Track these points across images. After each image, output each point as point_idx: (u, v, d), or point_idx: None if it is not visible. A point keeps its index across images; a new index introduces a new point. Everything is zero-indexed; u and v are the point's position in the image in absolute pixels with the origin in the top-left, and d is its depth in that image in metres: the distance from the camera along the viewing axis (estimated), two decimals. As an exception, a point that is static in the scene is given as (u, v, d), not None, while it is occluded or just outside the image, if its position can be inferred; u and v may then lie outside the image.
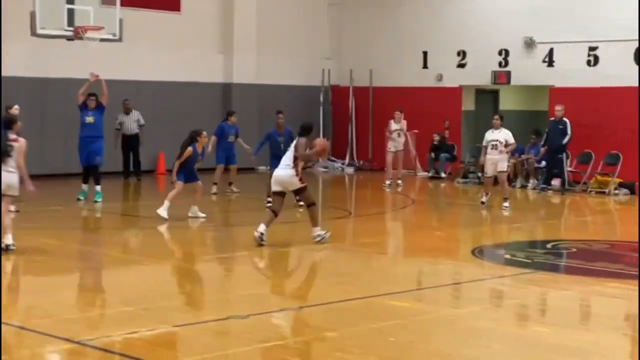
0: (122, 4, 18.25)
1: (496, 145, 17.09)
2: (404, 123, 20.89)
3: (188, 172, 14.84)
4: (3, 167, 11.00)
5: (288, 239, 13.69)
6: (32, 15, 16.92)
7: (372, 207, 18.45)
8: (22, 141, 11.32)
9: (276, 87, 24.78)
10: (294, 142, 12.71)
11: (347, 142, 25.86)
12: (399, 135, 20.79)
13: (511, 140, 17.17)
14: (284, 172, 12.43)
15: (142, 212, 16.91)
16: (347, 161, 25.62)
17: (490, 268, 11.61)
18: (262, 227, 12.20)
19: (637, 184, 19.91)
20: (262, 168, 23.91)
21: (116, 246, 12.90)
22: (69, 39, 17.77)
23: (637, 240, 12.81)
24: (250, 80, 24.27)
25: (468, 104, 24.41)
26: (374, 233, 14.38)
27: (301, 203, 14.13)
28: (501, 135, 17.14)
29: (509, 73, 23.13)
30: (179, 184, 14.74)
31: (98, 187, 16.74)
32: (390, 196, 20.26)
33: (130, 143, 21.35)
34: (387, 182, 20.65)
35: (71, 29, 17.35)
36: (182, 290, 9.58)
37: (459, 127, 24.16)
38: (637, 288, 9.20)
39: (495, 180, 17.52)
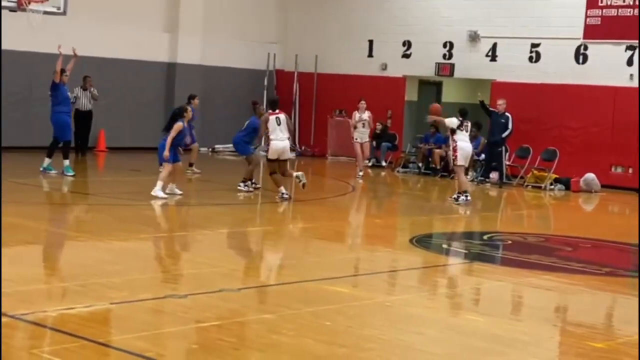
0: (67, -23, 17.98)
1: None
2: (368, 113, 20.80)
3: (175, 150, 14.82)
4: None
5: (230, 221, 13.69)
6: (-26, -16, 16.59)
7: (312, 193, 18.50)
8: None
9: (221, 69, 24.68)
10: (267, 117, 15.41)
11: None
12: (363, 125, 20.74)
13: None
14: (285, 143, 15.42)
15: (88, 189, 16.72)
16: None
17: (428, 257, 11.74)
18: (282, 189, 15.34)
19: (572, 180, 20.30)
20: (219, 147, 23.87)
21: (57, 222, 12.77)
22: (12, 10, 17.46)
23: (569, 234, 13.07)
24: (195, 61, 24.13)
25: (411, 94, 24.59)
26: (313, 218, 14.44)
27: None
28: None
29: (452, 65, 23.36)
30: (168, 165, 14.65)
31: (67, 162, 16.83)
32: (330, 183, 20.34)
33: (82, 119, 21.08)
34: (360, 173, 20.45)
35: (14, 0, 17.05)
36: (120, 268, 9.52)
37: (402, 117, 24.34)
38: (638, 286, 9.35)
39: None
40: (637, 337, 7.56)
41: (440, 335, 7.60)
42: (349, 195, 18.27)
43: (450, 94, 25.34)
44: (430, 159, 22.31)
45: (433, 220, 15.45)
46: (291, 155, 15.07)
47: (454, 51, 23.28)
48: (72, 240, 11.57)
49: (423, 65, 23.74)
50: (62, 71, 17.25)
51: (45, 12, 17.34)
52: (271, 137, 15.47)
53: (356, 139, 20.84)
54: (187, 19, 24.01)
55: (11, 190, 15.38)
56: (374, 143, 23.74)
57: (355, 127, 20.84)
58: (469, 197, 16.58)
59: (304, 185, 15.40)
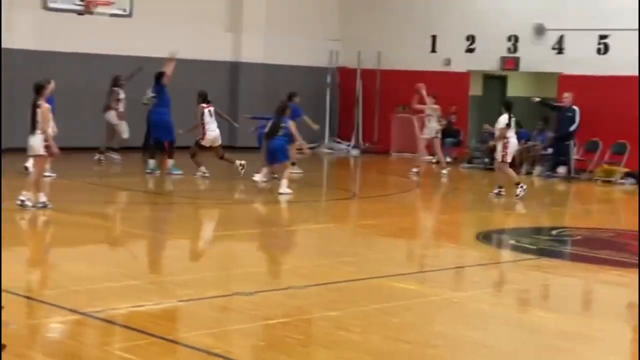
0: (132, -20, 18.23)
1: None
2: (436, 108, 20.16)
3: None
4: (30, 131, 12.07)
5: (293, 219, 13.75)
6: (43, -12, 16.92)
7: (376, 190, 18.48)
8: (45, 106, 12.00)
9: (284, 67, 24.75)
10: (202, 109, 17.12)
11: (353, 124, 25.85)
12: (429, 121, 20.32)
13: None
14: (218, 132, 17.23)
15: (155, 188, 16.91)
16: (352, 143, 25.62)
17: (494, 253, 11.65)
18: (202, 168, 17.10)
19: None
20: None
21: (127, 221, 12.96)
22: (80, 13, 17.79)
23: (640, 229, 12.83)
24: (258, 59, 24.24)
25: (475, 89, 24.38)
26: (378, 215, 14.42)
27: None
28: None
29: (517, 59, 23.10)
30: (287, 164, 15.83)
31: (172, 161, 17.57)
32: (395, 179, 20.28)
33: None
34: (415, 169, 19.89)
35: (82, 3, 17.34)
36: (188, 266, 9.63)
37: (466, 112, 24.15)
38: (638, 277, 9.22)
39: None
40: None
41: (508, 332, 7.54)
42: (413, 191, 18.21)
43: (515, 89, 25.05)
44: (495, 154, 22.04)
45: (499, 216, 15.32)
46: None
47: (519, 44, 23.01)
48: (140, 238, 11.73)
49: (487, 60, 23.52)
50: (162, 74, 17.80)
51: (112, 15, 17.60)
52: (207, 127, 17.01)
53: (423, 134, 20.63)
54: (250, 18, 24.15)
55: (80, 190, 15.67)
56: (438, 139, 23.56)
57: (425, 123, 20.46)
58: (503, 192, 16.38)
59: (242, 166, 17.04)
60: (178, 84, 22.11)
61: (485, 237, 12.36)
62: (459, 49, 24.07)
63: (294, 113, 18.00)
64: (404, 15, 25.05)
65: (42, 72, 20.48)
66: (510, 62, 23.20)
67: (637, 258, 10.90)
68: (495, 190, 16.56)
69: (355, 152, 25.29)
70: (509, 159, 16.53)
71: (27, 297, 7.58)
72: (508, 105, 16.71)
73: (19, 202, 12.31)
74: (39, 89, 12.41)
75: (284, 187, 15.24)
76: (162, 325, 7.13)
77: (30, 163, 13.50)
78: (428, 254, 11.44)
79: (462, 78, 24.10)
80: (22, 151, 18.28)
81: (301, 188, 16.44)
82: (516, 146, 16.94)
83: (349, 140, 25.77)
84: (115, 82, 19.46)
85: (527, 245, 11.94)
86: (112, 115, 19.32)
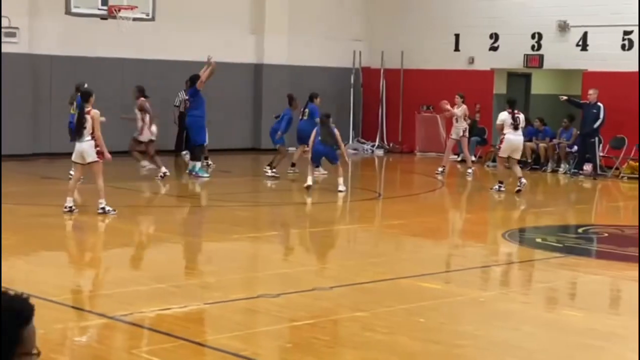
0: (155, -16, 18.29)
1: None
2: (463, 108, 20.22)
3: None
4: (77, 138, 12.30)
5: (317, 220, 13.75)
6: (67, -6, 17.02)
7: (401, 190, 18.46)
8: (93, 112, 12.30)
9: (307, 69, 24.76)
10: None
11: (377, 124, 25.82)
12: (457, 121, 20.26)
13: None
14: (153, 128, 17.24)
15: (180, 191, 16.95)
16: (376, 143, 25.59)
17: (521, 251, 11.59)
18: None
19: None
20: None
21: (147, 224, 13.01)
22: (103, 17, 17.86)
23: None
24: (281, 61, 24.27)
25: (500, 87, 24.28)
26: (404, 215, 14.39)
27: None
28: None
29: (541, 57, 22.98)
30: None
31: (199, 164, 17.69)
32: (420, 179, 20.23)
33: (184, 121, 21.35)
34: (440, 169, 19.89)
35: (105, 7, 17.42)
36: (214, 268, 9.64)
37: (490, 111, 24.04)
38: (638, 277, 9.13)
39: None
40: None
41: (536, 330, 7.49)
42: (438, 191, 18.15)
43: (539, 86, 24.93)
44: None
45: (525, 214, 15.24)
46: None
47: (542, 42, 22.89)
48: (167, 242, 11.77)
49: (511, 58, 23.41)
50: (197, 77, 17.96)
51: (135, 19, 17.67)
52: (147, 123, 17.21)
53: (451, 134, 20.56)
54: (272, 20, 24.17)
55: (108, 194, 15.74)
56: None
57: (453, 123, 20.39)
58: (502, 188, 16.68)
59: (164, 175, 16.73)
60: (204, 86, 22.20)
61: (511, 235, 12.30)
62: (482, 47, 23.98)
63: (312, 114, 18.22)
64: (427, 14, 24.99)
65: (66, 77, 20.72)
66: (535, 60, 23.08)
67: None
68: (496, 186, 16.76)
69: (379, 152, 25.26)
70: (501, 154, 16.89)
71: (56, 302, 7.62)
72: (511, 103, 17.10)
73: (100, 211, 12.46)
74: (86, 96, 12.56)
75: (341, 185, 15.87)
76: (189, 328, 7.15)
77: (73, 170, 13.45)
78: (454, 254, 11.39)
79: (486, 76, 24.00)
80: (48, 155, 18.46)
81: (326, 189, 16.44)
82: (516, 143, 16.94)
83: (373, 140, 25.74)
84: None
85: (554, 244, 11.87)
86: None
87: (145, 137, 17.23)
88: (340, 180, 16.02)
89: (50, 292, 7.88)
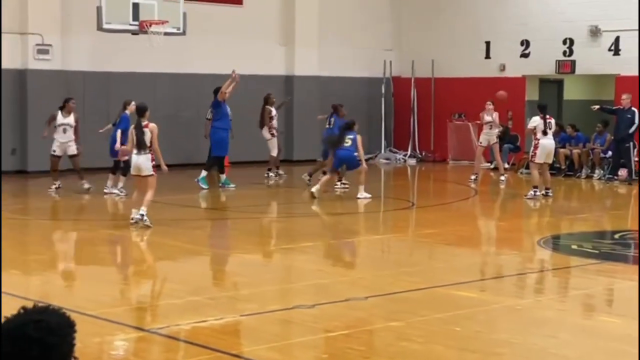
0: (185, -2, 18.43)
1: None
2: (495, 115, 20.17)
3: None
4: (135, 151, 12.56)
5: (350, 230, 13.74)
6: (99, 10, 17.17)
7: (435, 198, 18.40)
8: (152, 126, 12.56)
9: (337, 79, 24.79)
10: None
11: (409, 133, 25.77)
12: (490, 127, 20.23)
13: None
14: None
15: (212, 203, 17.00)
16: (409, 152, 25.54)
17: (556, 258, 11.49)
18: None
19: None
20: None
21: (181, 237, 13.06)
22: (134, 33, 18.01)
23: None
24: (311, 72, 24.32)
25: (532, 93, 24.14)
26: (437, 224, 14.33)
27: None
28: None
29: (573, 62, 22.83)
30: (363, 167, 16.53)
31: (223, 176, 17.81)
32: (453, 187, 20.15)
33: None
34: (473, 176, 19.95)
35: (136, 23, 17.56)
36: (249, 280, 9.66)
37: (523, 118, 23.91)
38: (638, 279, 9.02)
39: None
40: None
41: (574, 338, 7.42)
42: (472, 199, 18.07)
43: (572, 92, 24.76)
44: (554, 159, 21.81)
45: (560, 221, 15.13)
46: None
47: (574, 47, 22.75)
48: (201, 254, 11.81)
49: (543, 64, 23.29)
50: (218, 89, 18.04)
51: (166, 33, 17.80)
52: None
53: (481, 142, 20.49)
54: (302, 32, 24.24)
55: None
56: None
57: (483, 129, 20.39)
58: (537, 193, 16.67)
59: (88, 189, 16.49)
60: (234, 99, 22.31)
61: (546, 242, 12.22)
62: (513, 54, 23.88)
63: (337, 124, 18.46)
64: (457, 22, 24.94)
65: (99, 93, 20.92)
66: (567, 66, 22.94)
67: None
68: (531, 192, 16.73)
69: (412, 161, 25.21)
70: (537, 160, 16.80)
71: (92, 316, 7.67)
72: (542, 108, 17.12)
73: (138, 217, 12.64)
74: (142, 111, 12.86)
75: (361, 192, 16.06)
76: (225, 340, 7.17)
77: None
78: (489, 262, 11.33)
79: (518, 83, 23.89)
80: (86, 170, 18.55)
81: (355, 199, 16.41)
82: (549, 147, 17.04)
83: (405, 149, 25.69)
84: (267, 101, 20.26)
85: (589, 250, 11.76)
86: (265, 132, 20.01)
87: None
88: (361, 187, 16.12)
89: (86, 306, 7.93)
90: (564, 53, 22.95)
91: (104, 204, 16.13)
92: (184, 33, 18.32)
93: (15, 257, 10.90)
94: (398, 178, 23.02)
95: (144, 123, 12.67)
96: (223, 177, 17.84)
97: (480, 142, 20.43)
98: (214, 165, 18.00)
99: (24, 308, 2.74)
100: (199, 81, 22.09)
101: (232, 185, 17.69)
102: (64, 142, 16.79)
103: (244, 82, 23.13)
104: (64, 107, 16.80)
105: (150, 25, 17.47)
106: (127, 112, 16.16)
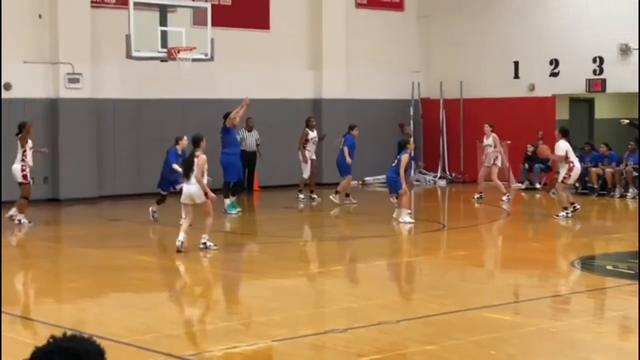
0: (212, 24, 18.52)
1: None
2: (494, 137, 20.31)
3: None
4: (186, 180, 13.01)
5: (381, 253, 13.67)
6: (128, 39, 17.31)
7: (465, 220, 18.28)
8: (202, 157, 12.96)
9: (366, 102, 24.79)
10: None
11: (439, 154, 25.69)
12: (489, 149, 20.26)
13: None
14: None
15: (244, 228, 16.99)
16: (439, 174, 25.44)
17: (591, 279, 11.35)
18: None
19: None
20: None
21: (213, 262, 13.06)
22: (163, 60, 18.14)
23: None
24: (339, 95, 24.34)
25: (562, 113, 24.00)
26: (469, 245, 14.23)
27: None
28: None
29: (604, 81, 22.67)
30: (405, 191, 16.23)
31: (228, 200, 17.58)
32: (484, 208, 20.03)
33: (248, 159, 21.44)
34: (504, 197, 19.90)
35: (164, 50, 17.68)
36: (280, 305, 9.62)
37: (553, 137, 23.72)
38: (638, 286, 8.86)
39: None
40: None
41: (611, 360, 7.31)
42: (504, 220, 17.94)
43: (603, 110, 24.58)
44: (587, 178, 21.66)
45: (594, 241, 14.96)
46: None
47: (604, 66, 22.60)
48: (232, 279, 11.80)
49: (573, 83, 23.15)
50: (227, 115, 18.08)
51: (194, 60, 17.90)
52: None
53: (484, 162, 20.48)
54: (330, 55, 24.28)
55: (173, 235, 15.87)
56: (527, 165, 23.25)
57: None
58: (569, 214, 16.70)
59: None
60: (264, 123, 22.40)
61: (580, 263, 12.07)
62: (543, 74, 23.77)
63: (346, 143, 19.22)
64: (485, 42, 24.88)
65: (129, 120, 21.06)
66: (597, 84, 22.79)
67: None
68: (562, 213, 16.68)
69: (442, 182, 25.11)
70: (570, 182, 16.96)
71: (125, 343, 7.66)
72: (566, 132, 17.17)
73: (201, 246, 13.05)
74: (197, 141, 13.31)
75: (403, 216, 16.02)
76: (257, 366, 7.13)
77: (184, 212, 13.63)
78: (523, 283, 11.21)
79: (548, 102, 23.76)
80: (113, 198, 18.68)
81: (391, 221, 16.35)
82: (580, 170, 17.18)
83: (435, 171, 25.61)
84: (306, 124, 20.51)
85: (625, 270, 11.61)
86: (300, 153, 20.33)
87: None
88: (404, 211, 16.06)
89: (119, 334, 7.93)
90: (594, 71, 22.81)
91: (137, 231, 16.18)
92: (212, 59, 18.42)
93: (48, 285, 10.95)
94: (428, 200, 22.92)
95: (197, 153, 13.05)
96: (227, 202, 17.70)
97: (484, 163, 20.44)
98: (230, 189, 17.88)
99: (53, 337, 2.76)
100: (227, 106, 22.07)
101: (233, 212, 17.49)
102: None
103: (273, 106, 23.24)
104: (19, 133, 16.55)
105: (178, 52, 17.57)
106: (178, 147, 16.21)
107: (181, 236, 12.96)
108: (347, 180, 19.48)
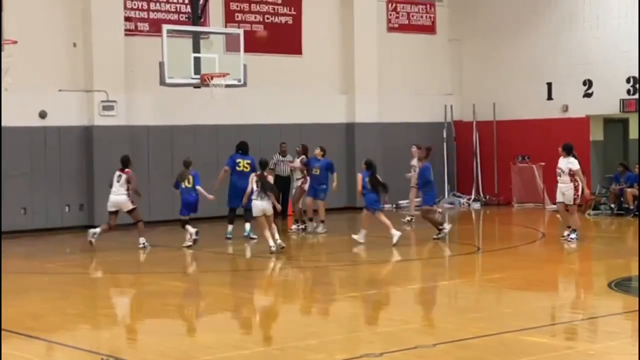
0: (245, 50, 18.64)
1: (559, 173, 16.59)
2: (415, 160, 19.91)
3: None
4: (259, 197, 15.42)
5: (417, 277, 13.62)
6: (161, 66, 17.46)
7: (501, 242, 18.16)
8: (270, 177, 15.68)
9: (399, 125, 24.78)
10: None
11: (472, 177, 25.60)
12: (414, 170, 19.94)
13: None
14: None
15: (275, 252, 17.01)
16: (472, 196, 25.33)
17: (629, 301, 11.22)
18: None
19: None
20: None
21: (246, 288, 13.08)
22: (196, 86, 18.28)
23: None
24: (372, 119, 24.35)
25: (596, 134, 23.84)
26: (504, 268, 14.13)
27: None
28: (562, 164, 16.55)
29: (638, 101, 22.51)
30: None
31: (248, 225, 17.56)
32: (519, 230, 19.90)
33: (282, 184, 21.37)
34: (407, 218, 20.26)
35: (198, 76, 17.81)
36: (316, 329, 9.60)
37: (588, 158, 23.60)
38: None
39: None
40: None
41: (651, 383, 7.21)
42: (538, 242, 17.81)
43: (638, 131, 24.39)
44: (622, 199, 21.48)
45: (631, 262, 14.78)
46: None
47: (638, 85, 22.45)
48: (267, 304, 11.80)
49: (607, 103, 23.00)
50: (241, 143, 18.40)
51: (227, 86, 18.01)
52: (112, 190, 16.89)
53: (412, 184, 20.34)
54: (362, 79, 24.33)
55: (204, 260, 15.93)
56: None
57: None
58: (575, 237, 16.51)
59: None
60: (294, 150, 22.42)
61: (618, 285, 11.95)
62: (576, 94, 23.64)
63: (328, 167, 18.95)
64: (517, 64, 24.82)
65: (163, 146, 21.21)
66: (631, 104, 22.62)
67: None
68: (569, 233, 16.48)
69: (476, 205, 24.99)
70: (580, 201, 16.71)
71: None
72: (568, 149, 16.60)
73: (273, 249, 15.06)
74: (264, 165, 15.94)
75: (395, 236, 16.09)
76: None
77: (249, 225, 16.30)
78: (559, 306, 11.11)
79: (582, 123, 23.62)
80: (148, 224, 18.78)
81: (425, 244, 16.30)
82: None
83: (469, 193, 25.50)
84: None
85: (663, 292, 11.46)
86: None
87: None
88: (392, 231, 16.11)
89: (148, 359, 7.95)
90: (628, 91, 22.66)
91: (171, 257, 16.26)
92: (245, 84, 18.53)
93: (84, 311, 11.02)
94: (463, 222, 22.81)
95: (265, 173, 15.60)
96: (230, 227, 17.72)
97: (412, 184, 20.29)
98: (245, 215, 17.72)
99: None
100: (260, 131, 22.27)
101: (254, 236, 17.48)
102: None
103: (305, 130, 23.29)
104: None
105: (211, 78, 17.70)
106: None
107: (271, 242, 15.25)
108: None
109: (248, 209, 17.31)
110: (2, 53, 17.32)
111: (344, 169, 23.54)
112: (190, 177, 16.92)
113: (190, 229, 16.65)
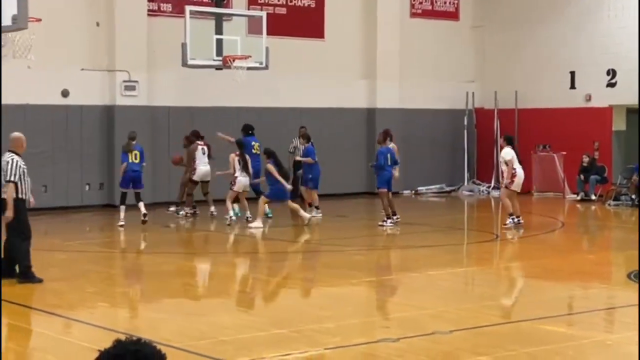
0: (267, 33, 18.63)
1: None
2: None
3: None
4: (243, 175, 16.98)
5: (433, 263, 13.61)
6: (184, 47, 17.49)
7: (519, 230, 18.11)
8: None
9: (420, 111, 24.73)
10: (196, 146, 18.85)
11: (492, 165, 25.50)
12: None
13: None
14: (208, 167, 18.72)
15: (294, 236, 17.06)
16: (492, 184, 25.25)
17: (647, 292, 11.17)
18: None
19: None
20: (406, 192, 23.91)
21: (264, 270, 13.13)
22: (218, 68, 18.29)
23: None
24: (393, 105, 24.31)
25: (619, 124, 23.70)
26: (522, 256, 14.11)
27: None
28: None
29: (661, 91, 22.33)
30: None
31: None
32: (538, 219, 19.85)
33: (300, 167, 21.32)
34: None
35: (220, 58, 17.82)
36: (332, 313, 9.63)
37: (610, 148, 23.48)
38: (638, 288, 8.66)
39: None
40: None
41: (668, 375, 7.19)
42: (558, 231, 17.75)
43: (660, 121, 24.22)
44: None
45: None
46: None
47: (662, 76, 22.27)
48: (284, 287, 11.84)
49: (630, 93, 22.83)
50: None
51: (249, 68, 18.01)
52: (198, 162, 18.41)
53: None
54: (384, 65, 24.27)
55: (218, 242, 15.99)
56: (582, 176, 22.96)
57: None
58: (515, 220, 16.89)
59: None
60: (318, 131, 22.44)
61: (637, 275, 11.89)
62: (599, 84, 23.50)
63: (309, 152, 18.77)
64: (540, 52, 24.68)
65: (184, 127, 21.23)
66: (655, 94, 22.43)
67: None
68: (509, 220, 16.87)
69: (495, 193, 24.90)
70: (514, 188, 17.03)
71: (178, 348, 7.73)
72: (511, 140, 17.60)
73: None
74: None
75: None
76: (309, 373, 7.14)
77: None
78: (576, 295, 11.08)
79: (604, 113, 23.48)
80: (167, 204, 18.85)
81: (443, 231, 16.28)
82: (523, 178, 17.31)
83: (488, 181, 25.43)
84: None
85: (682, 284, 11.39)
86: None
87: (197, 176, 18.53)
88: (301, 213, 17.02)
89: (172, 339, 8.01)
90: (652, 82, 22.48)
91: (190, 237, 16.33)
92: (266, 67, 18.52)
93: (103, 289, 11.10)
94: (482, 210, 22.77)
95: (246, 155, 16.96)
96: (237, 207, 17.82)
97: None
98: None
99: (118, 340, 2.84)
100: (281, 115, 22.29)
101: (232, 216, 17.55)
102: None
103: (326, 115, 23.29)
104: None
105: (233, 61, 17.71)
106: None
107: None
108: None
109: (257, 190, 17.52)
110: (26, 31, 17.37)
111: (364, 154, 23.54)
112: (137, 153, 16.82)
113: (142, 209, 16.61)
